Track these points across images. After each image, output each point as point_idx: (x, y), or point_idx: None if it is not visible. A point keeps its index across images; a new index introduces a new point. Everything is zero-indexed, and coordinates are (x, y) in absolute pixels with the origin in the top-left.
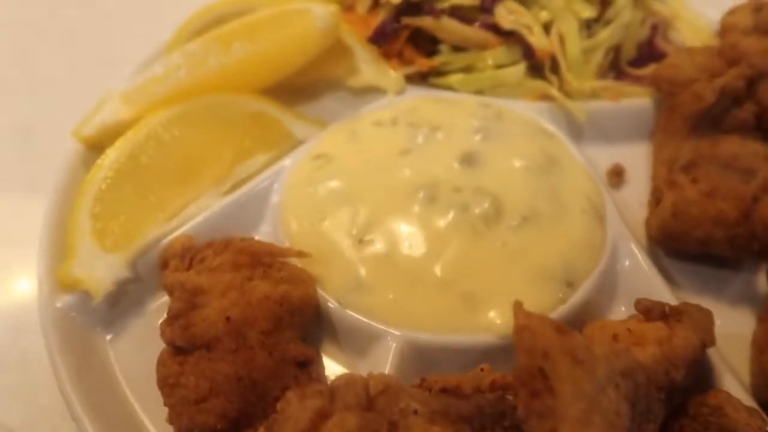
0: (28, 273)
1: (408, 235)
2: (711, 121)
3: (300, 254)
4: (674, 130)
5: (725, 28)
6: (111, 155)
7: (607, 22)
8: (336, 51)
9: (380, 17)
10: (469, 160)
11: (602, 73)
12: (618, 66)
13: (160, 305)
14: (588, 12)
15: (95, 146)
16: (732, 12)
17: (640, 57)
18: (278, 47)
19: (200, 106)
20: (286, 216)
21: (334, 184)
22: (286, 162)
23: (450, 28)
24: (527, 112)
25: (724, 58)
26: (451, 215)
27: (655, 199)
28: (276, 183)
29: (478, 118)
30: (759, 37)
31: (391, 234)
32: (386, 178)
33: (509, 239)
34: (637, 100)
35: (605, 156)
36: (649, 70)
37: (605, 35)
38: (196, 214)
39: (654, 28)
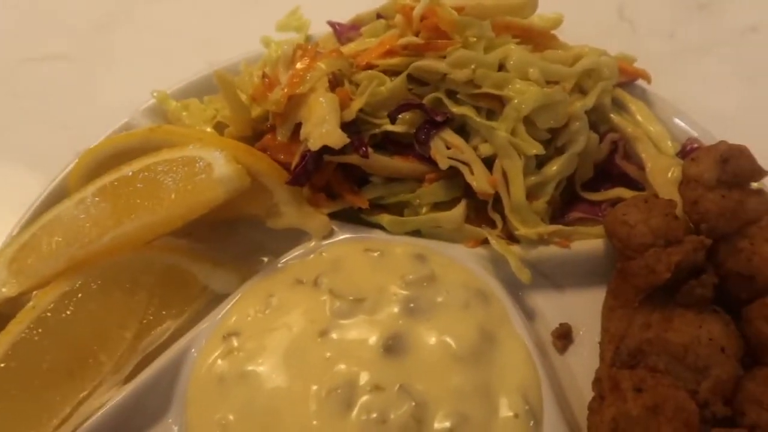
0: None
1: None
2: (665, 292)
3: None
4: (625, 298)
5: (687, 179)
6: None
7: (560, 150)
8: (253, 190)
9: (302, 147)
10: (393, 346)
11: (553, 203)
12: (572, 188)
13: None
14: (535, 149)
15: None
16: (696, 161)
17: (598, 177)
18: (180, 209)
19: (97, 276)
20: (191, 417)
21: (241, 380)
22: (197, 333)
23: (380, 164)
24: (466, 260)
25: (685, 215)
26: (369, 428)
27: (598, 393)
28: (183, 364)
29: (408, 285)
30: (723, 193)
31: None
32: (302, 370)
33: None
34: (590, 244)
35: (554, 307)
36: (607, 194)
37: (555, 170)
38: (93, 412)
39: (614, 145)
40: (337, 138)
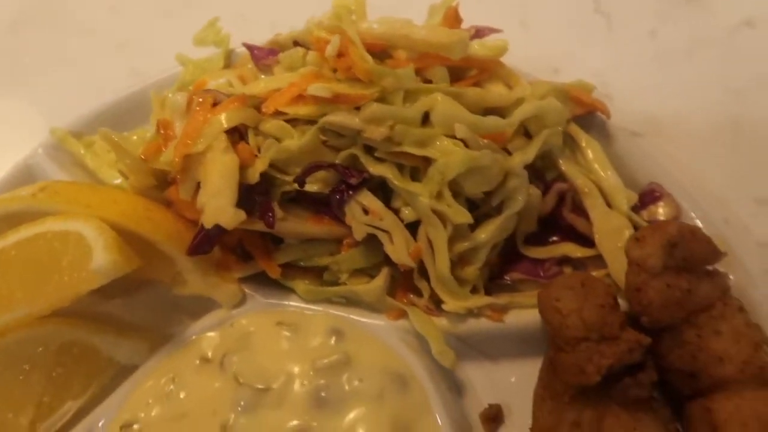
0: None
1: None
2: (599, 386)
3: None
4: (554, 389)
5: (630, 262)
6: None
7: (497, 208)
8: (154, 258)
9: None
10: None
11: (489, 265)
12: (513, 241)
13: None
14: (462, 217)
15: None
16: (641, 242)
17: (544, 228)
18: (60, 297)
19: None
20: None
21: None
22: (95, 419)
23: (289, 228)
24: (387, 335)
25: (626, 303)
26: None
27: None
28: None
29: (319, 371)
30: (669, 281)
31: None
32: None
33: None
34: (526, 315)
35: (485, 380)
36: (552, 251)
37: (488, 235)
38: None
39: (561, 195)
40: (229, 217)
